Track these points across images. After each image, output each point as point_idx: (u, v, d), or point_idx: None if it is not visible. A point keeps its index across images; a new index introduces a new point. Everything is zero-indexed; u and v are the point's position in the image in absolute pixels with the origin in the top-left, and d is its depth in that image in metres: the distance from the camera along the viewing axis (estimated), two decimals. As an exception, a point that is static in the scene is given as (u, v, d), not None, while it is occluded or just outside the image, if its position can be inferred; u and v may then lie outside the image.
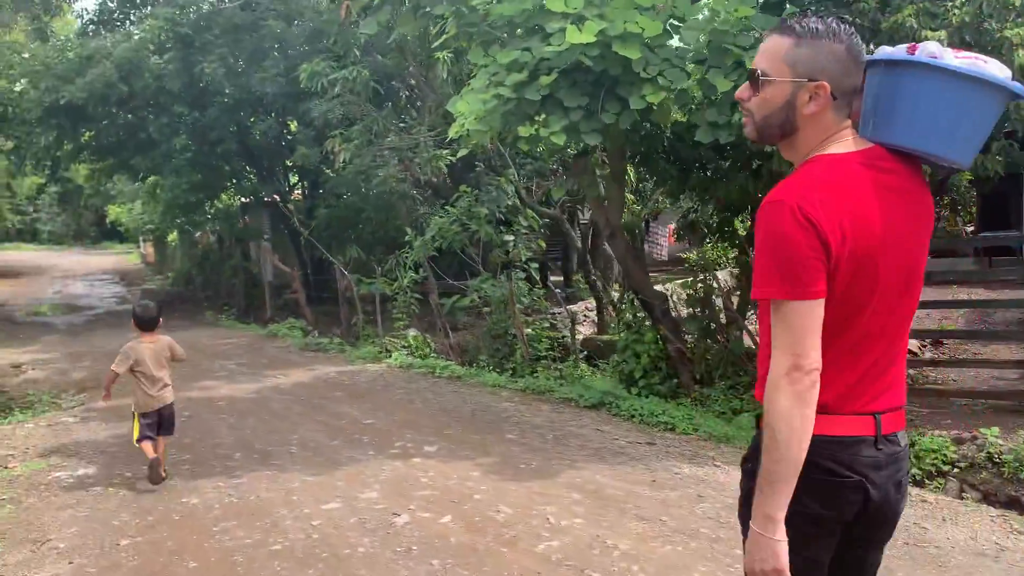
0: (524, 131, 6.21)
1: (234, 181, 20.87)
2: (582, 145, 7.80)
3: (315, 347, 11.72)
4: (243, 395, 8.40)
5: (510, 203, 11.64)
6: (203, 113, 16.65)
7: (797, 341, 1.61)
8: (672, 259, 21.28)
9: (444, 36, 7.17)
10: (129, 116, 18.10)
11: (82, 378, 9.92)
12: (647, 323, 8.26)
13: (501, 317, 10.82)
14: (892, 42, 5.92)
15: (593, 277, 12.31)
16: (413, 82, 14.24)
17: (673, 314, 8.18)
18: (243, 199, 21.90)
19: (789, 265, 1.60)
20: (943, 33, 5.40)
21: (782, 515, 1.63)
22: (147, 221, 27.81)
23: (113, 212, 34.90)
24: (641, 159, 7.66)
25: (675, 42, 6.29)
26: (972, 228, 19.54)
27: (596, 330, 12.67)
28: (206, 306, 20.56)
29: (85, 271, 30.30)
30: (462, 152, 7.84)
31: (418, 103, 15.18)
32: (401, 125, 13.07)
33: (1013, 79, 1.74)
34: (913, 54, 1.70)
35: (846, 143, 1.72)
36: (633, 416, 6.88)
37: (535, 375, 9.53)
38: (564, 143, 6.28)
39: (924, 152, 1.73)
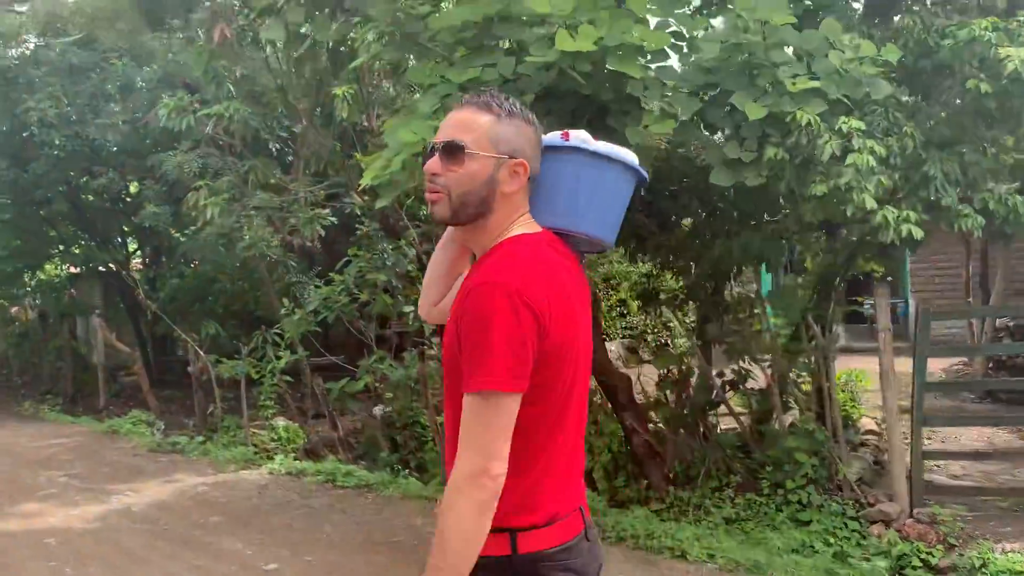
0: (489, 170, 4.71)
1: (61, 248, 18.09)
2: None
3: (170, 448, 9.49)
4: (82, 525, 6.24)
5: (410, 268, 10.01)
6: (25, 168, 14.11)
7: (493, 440, 1.45)
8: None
9: (369, 55, 5.61)
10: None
11: None
12: (606, 411, 6.83)
13: (407, 403, 9.10)
14: (954, 58, 4.93)
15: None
16: (287, 133, 12.49)
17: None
18: (71, 269, 19.07)
19: (508, 354, 1.46)
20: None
21: None
22: (-51, 295, 24.04)
23: (-91, 284, 30.24)
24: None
25: (673, 62, 5.03)
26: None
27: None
28: (23, 394, 17.43)
29: None
30: (381, 203, 6.22)
31: (289, 158, 13.39)
32: (271, 181, 11.27)
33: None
34: (567, 140, 1.75)
35: (530, 225, 1.68)
36: (623, 538, 5.35)
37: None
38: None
39: (588, 235, 1.74)
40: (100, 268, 17.44)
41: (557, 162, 1.75)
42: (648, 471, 6.58)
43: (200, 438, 9.68)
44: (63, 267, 19.42)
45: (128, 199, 16.95)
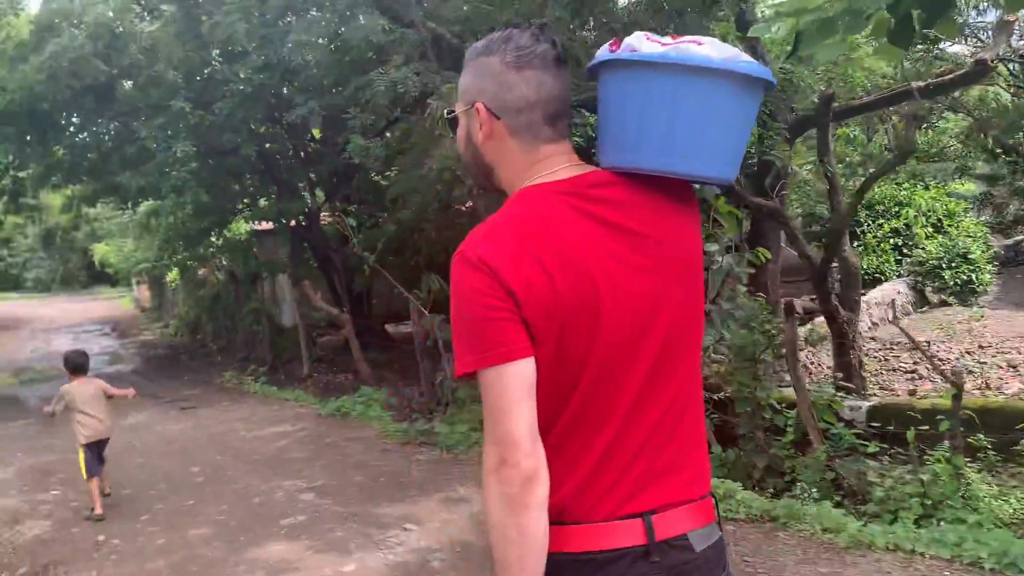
0: None
1: (246, 202, 16.59)
2: None
3: (421, 437, 7.33)
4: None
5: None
6: (208, 110, 12.33)
7: (498, 422, 1.25)
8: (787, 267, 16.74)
9: None
10: (115, 124, 13.92)
11: (43, 536, 5.48)
12: None
13: (747, 379, 6.49)
14: None
15: (835, 305, 7.98)
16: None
17: None
18: (255, 224, 17.57)
19: (474, 326, 1.28)
20: None
21: None
22: (140, 259, 23.48)
23: (99, 251, 30.46)
24: None
25: None
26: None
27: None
28: (220, 363, 16.15)
29: (70, 321, 25.80)
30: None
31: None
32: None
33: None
34: (615, 51, 1.39)
35: (553, 172, 1.41)
36: None
37: (861, 493, 5.27)
38: None
39: (649, 169, 1.37)
40: (291, 223, 15.79)
41: (608, 81, 1.41)
42: None
43: (462, 426, 7.38)
44: (247, 224, 18.05)
45: (313, 144, 15.19)
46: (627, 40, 1.38)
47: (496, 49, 1.41)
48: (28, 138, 12.81)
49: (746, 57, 1.36)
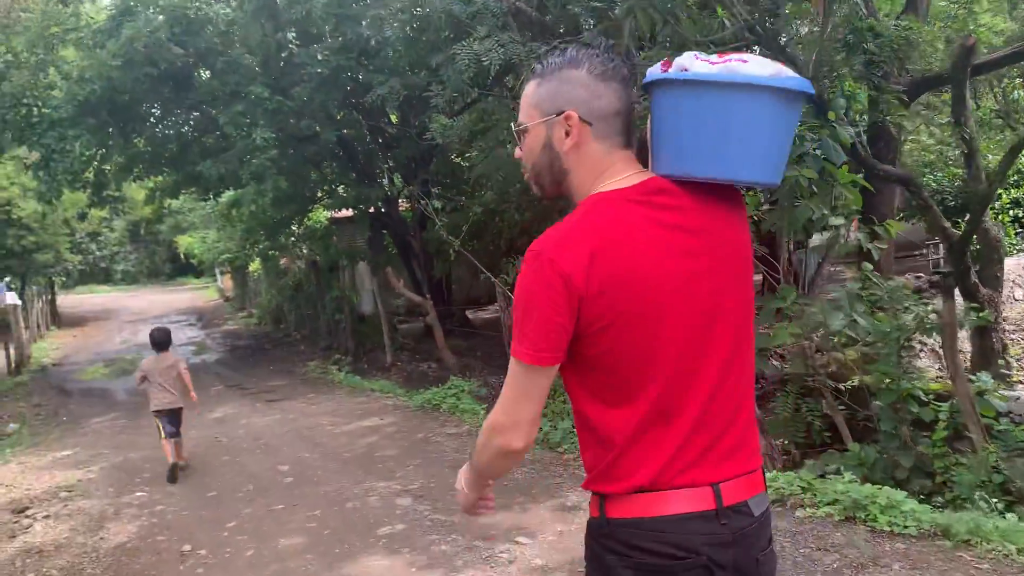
0: None
1: (325, 190, 16.30)
2: None
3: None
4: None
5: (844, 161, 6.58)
6: (286, 95, 11.97)
7: (513, 404, 1.48)
8: (902, 244, 15.55)
9: None
10: (194, 113, 13.76)
11: (128, 544, 5.13)
12: None
13: (889, 368, 5.74)
14: None
15: (975, 282, 7.13)
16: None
17: None
18: (334, 213, 17.32)
19: (529, 324, 1.44)
20: None
21: (473, 483, 1.66)
22: (223, 250, 23.64)
23: (183, 243, 30.92)
24: None
25: None
26: None
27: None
28: (303, 351, 15.97)
29: (158, 312, 26.15)
30: None
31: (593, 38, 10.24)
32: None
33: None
34: (667, 71, 1.50)
35: (622, 179, 1.52)
36: None
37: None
38: None
39: (701, 177, 1.49)
40: (369, 209, 15.43)
41: (661, 97, 1.52)
42: None
43: (564, 421, 6.84)
44: (328, 211, 17.84)
45: (390, 129, 14.77)
46: (678, 60, 1.47)
47: (581, 62, 1.51)
48: (110, 130, 12.72)
49: (789, 72, 1.45)
